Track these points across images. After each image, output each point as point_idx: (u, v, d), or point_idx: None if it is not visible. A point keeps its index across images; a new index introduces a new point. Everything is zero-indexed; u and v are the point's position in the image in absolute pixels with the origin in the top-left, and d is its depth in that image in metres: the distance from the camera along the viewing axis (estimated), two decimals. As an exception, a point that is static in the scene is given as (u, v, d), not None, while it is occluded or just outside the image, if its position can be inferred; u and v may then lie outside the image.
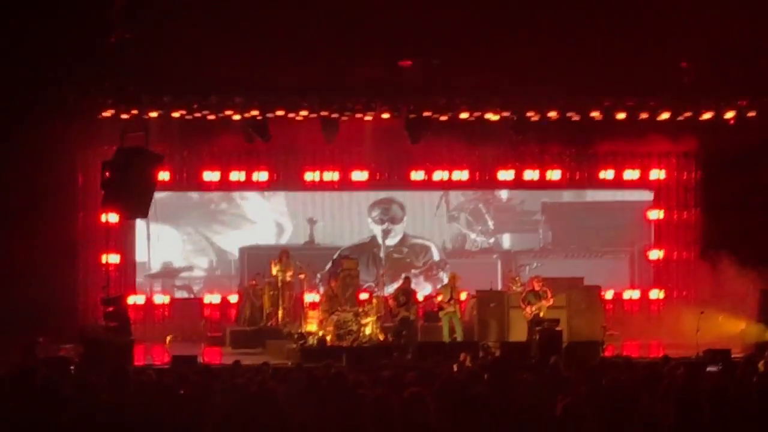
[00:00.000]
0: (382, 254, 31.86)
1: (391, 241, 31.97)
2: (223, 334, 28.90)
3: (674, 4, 25.69)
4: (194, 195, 31.51)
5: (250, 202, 31.74)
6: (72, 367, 19.38)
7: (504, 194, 32.63)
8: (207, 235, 31.49)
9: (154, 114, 26.58)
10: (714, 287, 28.11)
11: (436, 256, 32.12)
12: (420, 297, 29.07)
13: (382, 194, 31.93)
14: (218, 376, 14.97)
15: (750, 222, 28.62)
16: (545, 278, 27.11)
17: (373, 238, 31.90)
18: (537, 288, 26.44)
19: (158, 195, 26.64)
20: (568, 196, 32.93)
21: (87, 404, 10.78)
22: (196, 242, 31.43)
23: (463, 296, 27.78)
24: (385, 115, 27.87)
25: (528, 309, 26.22)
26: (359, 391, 9.64)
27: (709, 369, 16.64)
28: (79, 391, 11.21)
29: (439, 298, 27.30)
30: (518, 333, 26.65)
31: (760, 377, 10.58)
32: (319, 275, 30.81)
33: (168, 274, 31.25)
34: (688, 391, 8.92)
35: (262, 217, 31.74)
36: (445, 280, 29.47)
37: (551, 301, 26.28)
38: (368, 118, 27.99)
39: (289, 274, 28.63)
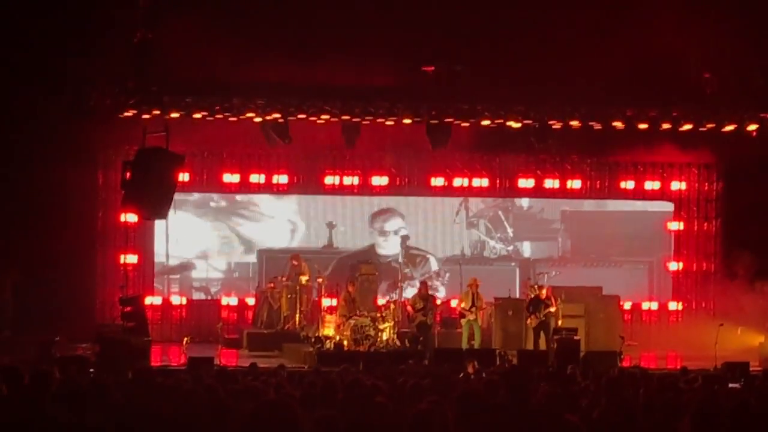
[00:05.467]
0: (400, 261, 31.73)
1: (390, 251, 31.77)
2: (240, 336, 28.90)
3: (698, 15, 25.62)
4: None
5: (264, 200, 31.78)
6: (91, 370, 19.39)
7: (524, 202, 32.58)
8: (231, 226, 31.54)
9: (175, 115, 26.52)
10: (733, 299, 28.00)
11: (434, 267, 31.98)
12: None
13: (396, 200, 31.82)
14: (234, 378, 14.94)
15: (770, 234, 28.51)
16: (562, 287, 27.07)
17: (372, 246, 31.76)
18: (543, 296, 26.30)
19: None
20: (588, 205, 32.85)
21: (105, 404, 10.77)
22: (221, 230, 31.44)
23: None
24: (407, 120, 27.79)
25: (532, 317, 26.15)
26: (377, 398, 9.58)
27: (731, 386, 16.49)
28: (97, 391, 11.20)
29: (462, 305, 27.17)
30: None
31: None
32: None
33: (185, 268, 31.31)
34: (707, 406, 8.84)
35: (277, 215, 31.74)
36: (442, 291, 29.33)
37: (554, 308, 26.15)
38: (390, 122, 27.91)
39: (304, 278, 28.60)
